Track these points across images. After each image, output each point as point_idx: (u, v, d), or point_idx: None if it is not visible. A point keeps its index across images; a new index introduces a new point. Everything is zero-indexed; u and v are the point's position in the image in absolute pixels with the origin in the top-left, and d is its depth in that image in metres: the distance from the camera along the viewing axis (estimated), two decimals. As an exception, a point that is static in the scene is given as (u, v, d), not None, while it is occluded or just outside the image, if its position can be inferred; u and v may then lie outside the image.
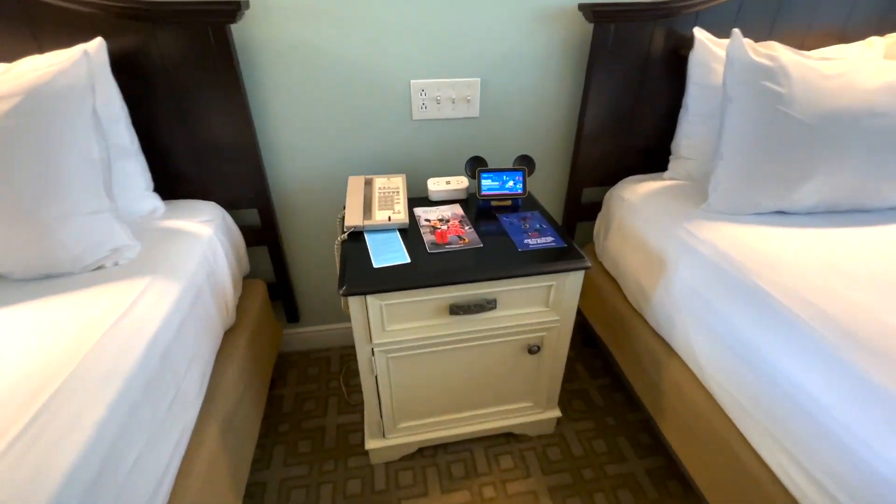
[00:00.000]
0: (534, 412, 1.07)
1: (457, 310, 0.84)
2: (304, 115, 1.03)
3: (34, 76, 0.68)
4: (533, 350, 0.94)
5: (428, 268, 0.82)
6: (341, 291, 0.77)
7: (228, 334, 0.96)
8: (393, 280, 0.79)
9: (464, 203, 1.06)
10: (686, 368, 0.88)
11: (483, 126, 1.12)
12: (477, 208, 1.04)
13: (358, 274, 0.80)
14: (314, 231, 1.19)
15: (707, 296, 0.82)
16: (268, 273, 1.20)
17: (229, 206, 1.06)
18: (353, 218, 0.93)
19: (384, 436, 1.01)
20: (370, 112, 1.06)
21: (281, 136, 1.05)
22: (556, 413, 1.08)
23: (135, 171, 0.89)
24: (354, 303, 0.80)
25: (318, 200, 1.15)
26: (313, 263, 1.24)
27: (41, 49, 0.83)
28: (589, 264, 0.85)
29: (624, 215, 1.07)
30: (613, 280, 1.14)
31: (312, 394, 1.24)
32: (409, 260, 0.84)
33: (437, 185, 1.06)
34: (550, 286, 0.87)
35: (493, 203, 1.03)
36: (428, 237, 0.92)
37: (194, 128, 0.95)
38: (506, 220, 0.99)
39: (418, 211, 1.02)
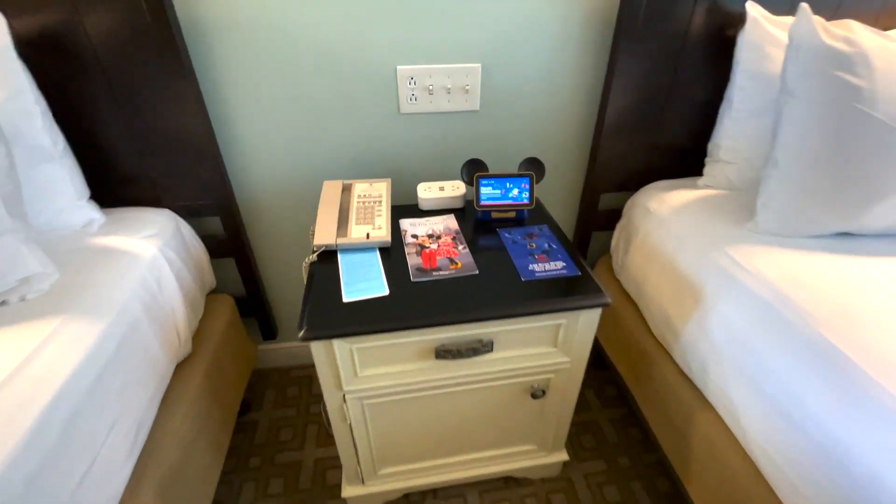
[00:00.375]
0: (537, 456, 0.93)
1: (444, 354, 0.69)
2: (273, 108, 0.87)
3: None
4: (537, 394, 0.79)
5: (410, 302, 0.67)
6: (300, 335, 0.62)
7: (182, 367, 0.82)
8: (366, 319, 0.64)
9: (459, 213, 0.90)
10: (721, 424, 0.73)
11: (484, 122, 0.95)
12: (475, 220, 0.88)
13: (322, 311, 0.65)
14: (289, 238, 1.04)
15: (754, 343, 0.66)
16: (238, 286, 1.06)
17: (188, 213, 0.91)
18: (325, 234, 0.77)
19: (363, 482, 0.88)
20: (349, 104, 0.89)
21: (246, 132, 0.89)
22: (563, 457, 0.94)
23: (60, 177, 0.74)
24: (318, 349, 0.66)
25: (291, 205, 0.99)
26: (290, 273, 1.10)
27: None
28: (608, 300, 0.69)
29: (650, 230, 0.90)
30: (633, 303, 0.98)
31: (290, 420, 1.11)
32: (387, 292, 0.69)
33: (428, 192, 0.90)
34: (560, 325, 0.72)
35: (494, 215, 0.87)
36: (413, 259, 0.76)
37: (139, 121, 0.80)
38: (508, 237, 0.83)
39: (405, 223, 0.86)
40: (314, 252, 0.77)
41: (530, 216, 0.89)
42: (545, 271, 0.73)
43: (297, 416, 1.12)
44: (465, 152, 0.98)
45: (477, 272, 0.73)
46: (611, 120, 0.92)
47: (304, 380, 1.22)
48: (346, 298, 0.68)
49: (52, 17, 0.70)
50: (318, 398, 1.17)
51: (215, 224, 0.96)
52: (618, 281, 1.05)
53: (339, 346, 0.66)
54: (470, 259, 0.76)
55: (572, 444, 1.05)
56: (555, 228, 0.85)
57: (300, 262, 1.07)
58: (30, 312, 0.59)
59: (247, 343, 1.09)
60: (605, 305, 0.69)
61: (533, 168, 0.87)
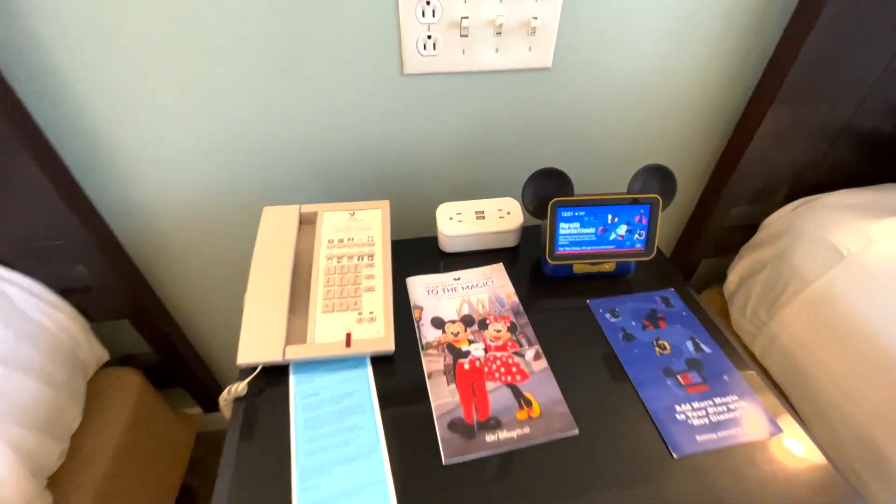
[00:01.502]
0: None
1: None
2: (170, 76, 0.44)
3: None
4: None
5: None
6: None
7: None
8: None
9: (509, 255, 0.51)
10: None
11: (560, 91, 0.52)
12: (540, 277, 0.49)
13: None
14: (224, 276, 0.64)
15: None
16: (141, 348, 0.67)
17: (31, 261, 0.51)
18: (260, 339, 0.39)
19: None
20: (307, 61, 0.46)
21: (123, 121, 0.46)
22: None
23: None
24: None
25: (221, 237, 0.58)
26: (231, 322, 0.71)
27: None
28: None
29: (841, 288, 0.52)
30: (773, 381, 0.62)
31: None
32: (392, 503, 0.32)
33: (456, 222, 0.50)
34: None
35: (578, 269, 0.48)
36: (441, 395, 0.38)
37: None
38: (611, 321, 0.44)
39: (417, 288, 0.47)
40: (241, 378, 0.39)
41: (641, 269, 0.50)
42: (712, 428, 0.36)
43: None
44: (523, 149, 0.56)
45: (576, 432, 0.36)
46: (794, 80, 0.50)
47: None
48: (300, 533, 0.30)
49: None
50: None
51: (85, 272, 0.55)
52: (742, 342, 0.68)
53: None
54: (554, 389, 0.38)
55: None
56: (690, 299, 0.47)
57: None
58: None
59: (175, 420, 0.73)
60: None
61: (655, 185, 0.47)
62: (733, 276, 0.69)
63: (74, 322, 0.57)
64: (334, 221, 0.46)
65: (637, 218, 0.46)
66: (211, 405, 0.77)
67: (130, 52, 0.42)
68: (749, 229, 0.68)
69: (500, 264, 0.50)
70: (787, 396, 0.60)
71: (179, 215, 0.54)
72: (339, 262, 0.43)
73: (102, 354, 0.62)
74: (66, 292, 0.55)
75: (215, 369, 0.78)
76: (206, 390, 0.75)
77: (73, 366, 0.57)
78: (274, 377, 0.39)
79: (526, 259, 0.51)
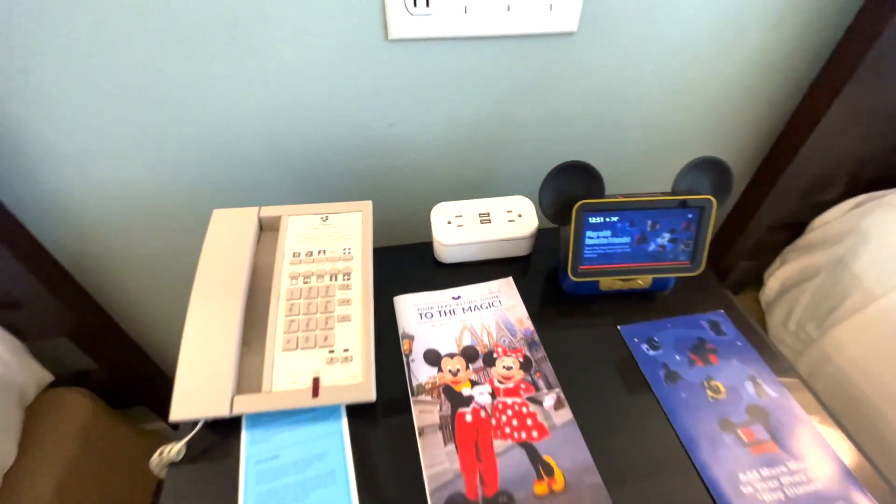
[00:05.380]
0: None
1: None
2: (98, 55, 0.34)
3: None
4: None
5: None
6: None
7: None
8: None
9: (520, 267, 0.42)
10: None
11: (589, 64, 0.42)
12: (555, 293, 0.40)
13: None
14: (173, 280, 0.55)
15: None
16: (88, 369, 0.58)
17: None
18: (201, 385, 0.30)
19: None
20: (263, 19, 0.35)
21: (31, 114, 0.36)
22: None
23: None
24: None
25: (163, 241, 0.49)
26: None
27: None
28: None
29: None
30: (820, 402, 0.53)
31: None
32: None
33: (455, 227, 0.41)
34: None
35: (605, 286, 0.39)
36: (436, 454, 0.29)
37: None
38: (649, 354, 0.35)
39: (406, 311, 0.38)
40: (177, 440, 0.30)
41: (683, 286, 0.41)
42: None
43: None
44: (539, 137, 0.46)
45: (613, 520, 0.27)
46: (873, 63, 0.40)
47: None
48: None
49: None
50: None
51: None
52: (776, 352, 0.59)
53: None
54: (583, 452, 0.30)
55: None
56: (742, 323, 0.38)
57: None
58: None
59: (137, 443, 0.65)
60: None
61: (706, 182, 0.37)
62: (773, 282, 0.60)
63: (2, 343, 0.48)
64: (301, 228, 0.37)
65: (684, 225, 0.36)
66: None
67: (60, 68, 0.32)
68: (792, 229, 0.59)
69: (510, 279, 0.41)
70: (839, 422, 0.52)
71: (117, 217, 0.45)
72: (305, 283, 0.34)
73: (44, 376, 0.54)
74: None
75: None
76: (165, 405, 0.66)
77: (4, 393, 0.48)
78: (222, 432, 0.31)
79: (540, 271, 0.42)
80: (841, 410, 0.51)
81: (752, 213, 0.55)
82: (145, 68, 0.36)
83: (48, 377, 0.55)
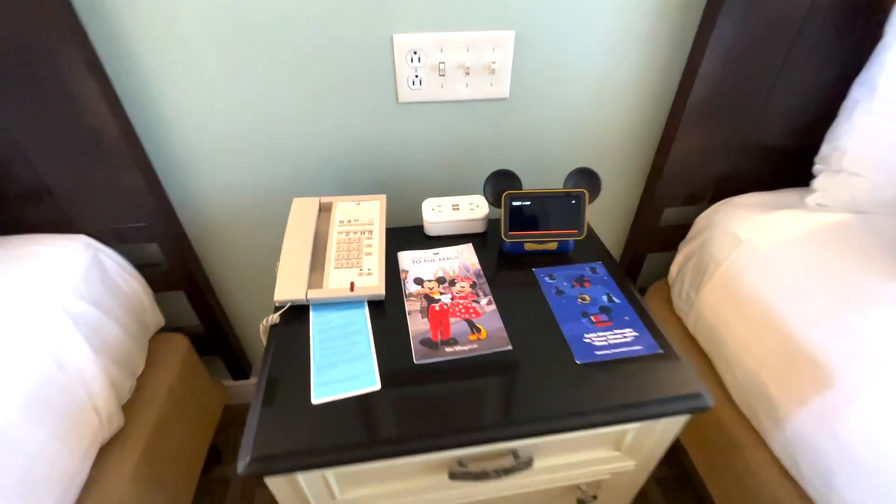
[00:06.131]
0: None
1: (462, 475, 0.47)
2: (226, 101, 0.62)
3: None
4: (585, 500, 0.57)
5: (412, 402, 0.45)
6: (240, 471, 0.40)
7: (111, 446, 0.62)
8: (344, 434, 0.42)
9: (479, 239, 0.66)
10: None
11: (515, 115, 0.69)
12: (501, 254, 0.64)
13: (281, 420, 0.43)
14: (257, 263, 0.81)
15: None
16: (191, 318, 0.83)
17: (115, 238, 0.68)
18: (291, 284, 0.54)
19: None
20: (328, 92, 0.64)
21: (191, 134, 0.64)
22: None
23: None
24: (272, 482, 0.44)
25: (257, 224, 0.75)
26: (262, 302, 0.87)
27: None
28: (709, 402, 0.46)
29: (741, 266, 0.66)
30: (703, 353, 0.75)
31: (267, 479, 0.91)
32: (377, 385, 0.46)
33: (437, 213, 0.66)
34: (629, 429, 0.49)
35: (528, 247, 0.63)
36: (417, 323, 0.53)
37: (36, 122, 0.56)
38: (549, 282, 0.59)
39: (405, 259, 0.63)
40: (276, 310, 0.54)
41: (578, 248, 0.65)
42: (609, 347, 0.50)
43: (275, 472, 0.92)
44: (488, 158, 0.73)
45: (510, 348, 0.50)
46: (695, 104, 0.66)
47: (287, 421, 1.01)
48: (315, 399, 0.45)
49: None
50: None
51: (154, 250, 0.73)
52: (677, 318, 0.82)
53: (307, 480, 0.44)
54: (498, 323, 0.53)
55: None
56: (613, 268, 0.62)
57: (267, 284, 0.84)
58: None
59: (211, 386, 0.88)
60: (703, 409, 0.46)
61: (584, 183, 0.62)
62: (673, 268, 0.83)
63: (144, 290, 0.73)
64: (345, 209, 0.63)
65: (572, 207, 0.61)
66: (240, 373, 0.92)
67: (202, 94, 0.61)
68: (686, 228, 0.82)
69: (470, 244, 0.66)
70: (711, 361, 0.73)
71: (226, 207, 0.72)
72: (347, 236, 0.59)
73: (160, 320, 0.79)
74: (139, 266, 0.72)
75: (246, 344, 0.93)
76: (236, 360, 0.90)
77: (141, 324, 0.73)
78: (298, 314, 0.55)
79: (491, 242, 0.67)
80: (712, 349, 0.72)
81: (646, 216, 0.79)
82: (267, 115, 0.64)
83: (162, 321, 0.80)
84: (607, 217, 0.85)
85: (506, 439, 0.43)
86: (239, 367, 0.91)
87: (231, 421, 1.02)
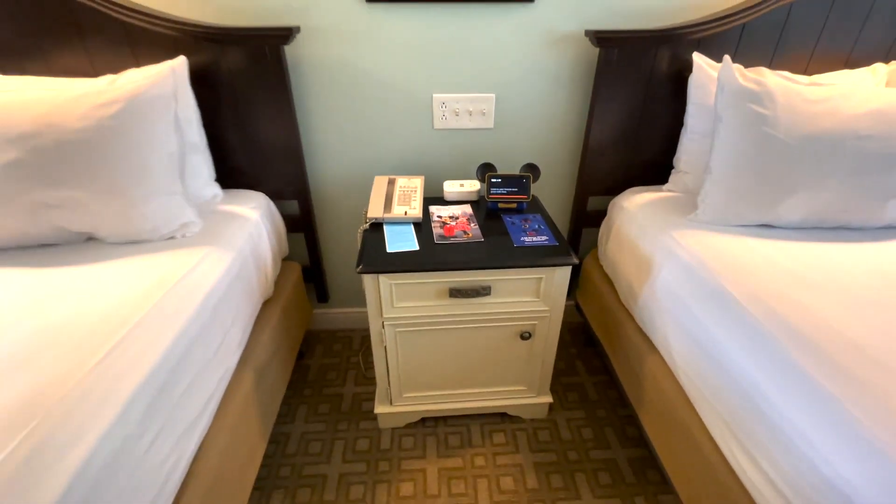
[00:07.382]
0: (527, 396, 1.17)
1: (455, 293, 0.97)
2: (341, 122, 1.20)
3: (133, 86, 0.88)
4: (525, 336, 1.05)
5: (433, 256, 0.96)
6: (358, 269, 0.92)
7: (266, 304, 1.13)
8: (402, 263, 0.93)
9: (475, 204, 1.19)
10: (663, 363, 0.97)
11: (496, 136, 1.25)
12: (486, 209, 1.16)
13: (373, 257, 0.95)
14: (345, 222, 1.35)
15: (683, 296, 0.90)
16: (303, 257, 1.38)
17: (274, 196, 1.24)
18: (375, 211, 1.08)
19: (391, 403, 1.15)
20: (396, 121, 1.21)
21: (320, 139, 1.22)
22: (548, 399, 1.18)
23: (201, 164, 1.08)
24: (368, 281, 0.95)
25: (349, 195, 1.31)
26: (343, 251, 1.41)
27: (138, 63, 1.04)
28: (575, 261, 0.95)
29: (622, 223, 1.16)
30: (611, 282, 1.23)
31: (335, 366, 1.40)
32: (417, 248, 0.98)
33: (451, 187, 1.20)
34: (540, 279, 0.98)
35: (501, 205, 1.16)
36: (437, 231, 1.05)
37: (250, 130, 1.14)
38: (509, 220, 1.11)
39: (433, 208, 1.16)
40: (367, 223, 1.08)
41: (528, 208, 1.17)
42: (532, 241, 1.01)
43: (340, 364, 1.41)
44: (481, 158, 1.28)
45: (483, 240, 1.01)
46: (594, 140, 1.20)
47: (346, 339, 1.51)
48: (389, 249, 0.97)
49: (207, 56, 1.05)
50: (357, 352, 1.46)
51: (292, 206, 1.29)
52: (601, 266, 1.30)
53: (383, 282, 0.95)
54: (479, 232, 1.05)
55: (559, 399, 1.28)
56: (545, 216, 1.13)
57: (352, 241, 1.38)
58: (189, 244, 0.91)
59: (306, 303, 1.40)
60: (572, 265, 0.95)
61: (531, 171, 1.15)
62: (599, 233, 1.33)
63: (283, 228, 1.28)
64: (402, 181, 1.18)
65: (524, 183, 1.14)
66: (322, 297, 1.45)
67: (331, 116, 1.19)
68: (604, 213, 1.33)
69: (468, 205, 1.18)
70: (611, 280, 1.21)
71: (335, 179, 1.28)
72: (403, 192, 1.14)
73: (287, 250, 1.33)
74: (284, 214, 1.28)
75: (330, 278, 1.46)
76: (323, 288, 1.43)
77: (281, 248, 1.28)
78: (377, 228, 1.08)
79: (481, 206, 1.19)
80: (611, 274, 1.20)
81: (579, 201, 1.31)
82: (356, 132, 1.22)
83: (287, 252, 1.34)
84: (559, 204, 1.37)
85: (477, 269, 0.93)
86: (323, 293, 1.44)
87: (308, 338, 1.53)
